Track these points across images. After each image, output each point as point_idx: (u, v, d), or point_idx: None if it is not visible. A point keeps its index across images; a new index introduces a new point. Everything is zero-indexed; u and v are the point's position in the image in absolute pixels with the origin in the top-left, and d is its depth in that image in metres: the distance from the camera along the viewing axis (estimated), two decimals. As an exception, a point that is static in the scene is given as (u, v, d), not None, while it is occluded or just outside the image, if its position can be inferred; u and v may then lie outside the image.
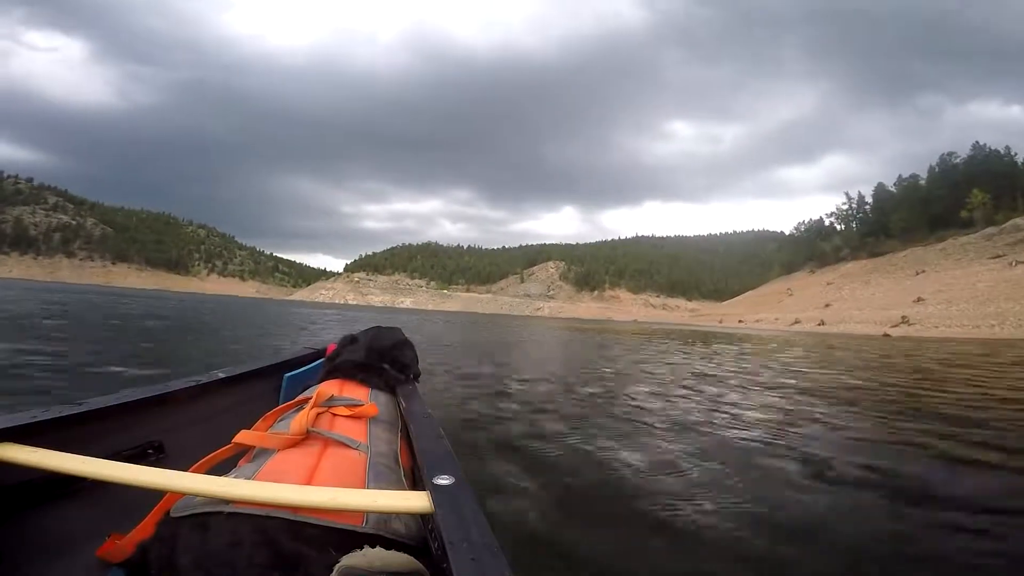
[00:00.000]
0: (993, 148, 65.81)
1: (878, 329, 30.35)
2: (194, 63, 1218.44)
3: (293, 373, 1.66)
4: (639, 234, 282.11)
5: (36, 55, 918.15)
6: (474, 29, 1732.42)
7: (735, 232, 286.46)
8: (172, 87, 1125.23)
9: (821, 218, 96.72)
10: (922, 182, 73.43)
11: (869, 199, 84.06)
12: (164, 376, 2.14)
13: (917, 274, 49.67)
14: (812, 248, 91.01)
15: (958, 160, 68.90)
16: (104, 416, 1.01)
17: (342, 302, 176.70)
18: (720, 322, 67.05)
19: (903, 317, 31.53)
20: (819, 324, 39.99)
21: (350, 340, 1.47)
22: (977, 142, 67.44)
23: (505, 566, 0.50)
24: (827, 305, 50.46)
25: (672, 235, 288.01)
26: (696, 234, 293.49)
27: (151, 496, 0.74)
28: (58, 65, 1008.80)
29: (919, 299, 36.72)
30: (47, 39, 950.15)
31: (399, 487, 0.79)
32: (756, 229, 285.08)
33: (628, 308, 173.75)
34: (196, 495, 0.65)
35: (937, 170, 70.57)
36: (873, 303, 43.41)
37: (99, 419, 0.99)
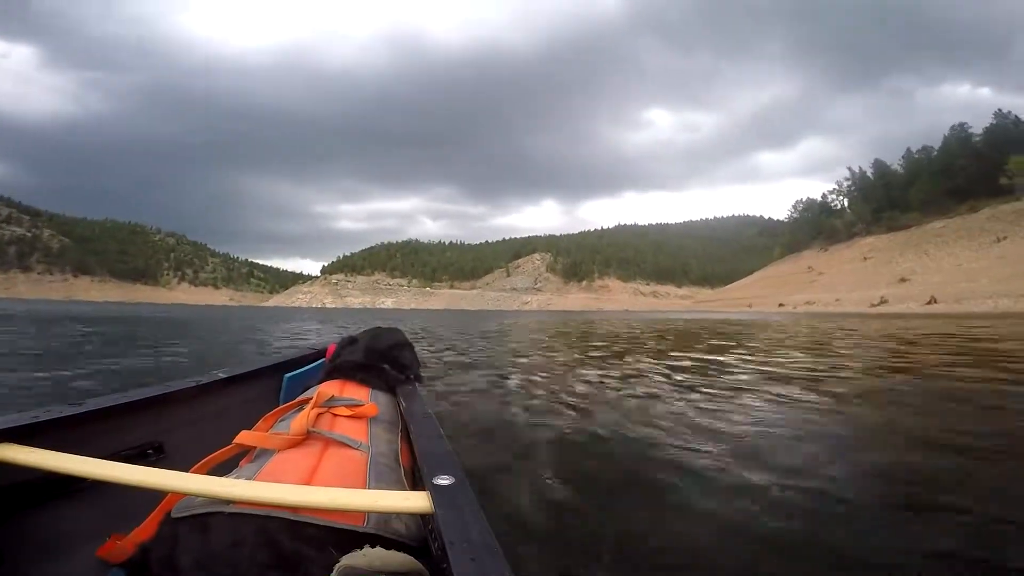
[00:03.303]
0: (1016, 115, 64.63)
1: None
2: (152, 66, 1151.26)
3: (293, 374, 1.66)
4: (620, 223, 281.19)
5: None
6: (450, 23, 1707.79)
7: (715, 218, 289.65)
8: (131, 92, 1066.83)
9: (824, 195, 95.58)
10: (935, 154, 72.22)
11: (869, 175, 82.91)
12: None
13: (999, 240, 47.04)
14: (820, 225, 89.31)
15: (972, 130, 67.74)
16: (104, 416, 1.00)
17: (319, 305, 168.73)
18: (750, 306, 63.96)
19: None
20: (928, 303, 35.43)
21: (350, 341, 1.48)
22: (1000, 110, 66.28)
23: (505, 566, 0.49)
24: (902, 280, 47.28)
25: (653, 223, 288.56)
26: (676, 221, 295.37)
27: (151, 497, 0.73)
28: (5, 73, 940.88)
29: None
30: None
31: (400, 487, 0.79)
32: (735, 214, 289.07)
33: (618, 297, 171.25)
34: (197, 496, 0.64)
35: (952, 141, 69.21)
36: (980, 275, 39.52)
37: (99, 419, 0.98)
